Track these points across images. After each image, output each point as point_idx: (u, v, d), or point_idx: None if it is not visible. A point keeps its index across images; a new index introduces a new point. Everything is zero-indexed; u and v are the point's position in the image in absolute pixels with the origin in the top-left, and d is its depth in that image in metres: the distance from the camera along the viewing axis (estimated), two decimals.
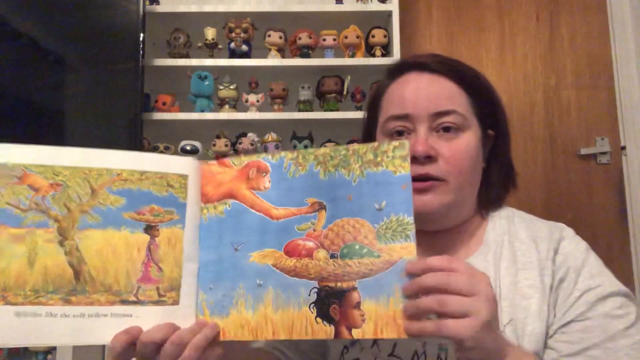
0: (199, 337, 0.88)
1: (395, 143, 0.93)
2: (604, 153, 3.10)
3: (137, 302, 0.90)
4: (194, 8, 2.92)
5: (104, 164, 0.94)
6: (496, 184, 1.22)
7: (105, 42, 2.81)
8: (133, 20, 2.77)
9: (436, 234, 1.17)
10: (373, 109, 1.25)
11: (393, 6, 2.92)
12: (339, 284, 0.90)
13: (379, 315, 0.87)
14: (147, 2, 2.90)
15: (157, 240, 0.93)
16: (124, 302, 0.89)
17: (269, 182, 0.97)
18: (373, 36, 2.93)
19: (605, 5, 3.21)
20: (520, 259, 1.12)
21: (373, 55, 2.95)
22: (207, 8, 2.92)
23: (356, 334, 0.88)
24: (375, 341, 1.14)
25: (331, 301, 0.89)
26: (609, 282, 1.06)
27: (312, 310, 0.90)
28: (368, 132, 1.26)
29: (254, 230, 0.96)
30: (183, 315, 0.93)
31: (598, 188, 3.10)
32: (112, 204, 0.92)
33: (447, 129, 1.11)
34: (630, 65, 3.08)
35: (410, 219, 0.89)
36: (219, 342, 0.92)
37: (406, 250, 0.88)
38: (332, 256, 0.91)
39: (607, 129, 3.14)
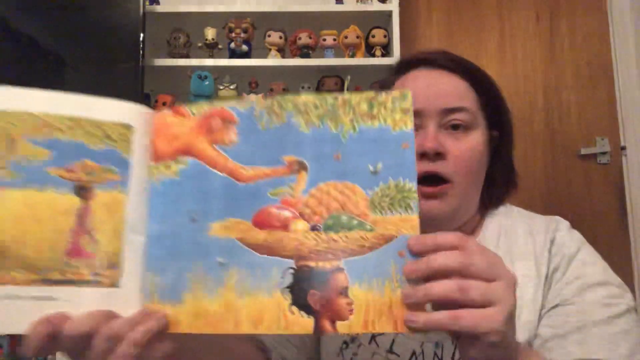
0: (140, 330, 0.66)
1: (396, 93, 0.73)
2: (604, 153, 2.95)
3: (65, 282, 0.67)
4: (194, 8, 2.78)
5: (26, 106, 0.71)
6: (498, 186, 1.14)
7: (105, 42, 2.68)
8: (133, 20, 2.64)
9: None
10: None
11: (393, 6, 2.79)
12: (321, 264, 0.69)
13: (370, 304, 0.68)
14: (147, 2, 2.77)
15: (92, 205, 0.70)
16: (47, 281, 0.66)
17: (236, 135, 0.75)
18: (373, 36, 2.79)
19: (605, 6, 3.07)
20: (516, 250, 1.05)
21: (373, 55, 2.81)
22: (207, 8, 2.79)
23: (342, 327, 0.68)
24: (373, 337, 1.03)
25: (311, 285, 0.69)
26: (602, 271, 1.00)
27: (285, 296, 0.69)
28: None
29: (215, 196, 0.74)
30: (125, 301, 0.70)
31: (598, 188, 2.95)
32: (34, 158, 0.69)
33: (455, 127, 1.03)
34: (630, 65, 2.94)
35: (412, 185, 0.70)
36: (168, 336, 0.70)
37: (407, 223, 0.69)
38: (314, 228, 0.71)
39: (607, 129, 2.98)
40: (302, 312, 0.68)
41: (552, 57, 3.03)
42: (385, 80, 1.18)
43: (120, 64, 2.64)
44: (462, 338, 0.66)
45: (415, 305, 0.66)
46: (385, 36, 2.78)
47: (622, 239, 2.89)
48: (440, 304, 0.65)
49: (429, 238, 0.67)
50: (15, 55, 2.50)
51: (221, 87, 2.76)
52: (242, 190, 0.73)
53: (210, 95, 2.74)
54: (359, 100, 0.73)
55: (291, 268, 0.69)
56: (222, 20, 2.76)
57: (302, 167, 0.72)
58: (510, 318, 0.66)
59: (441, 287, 0.64)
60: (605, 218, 2.91)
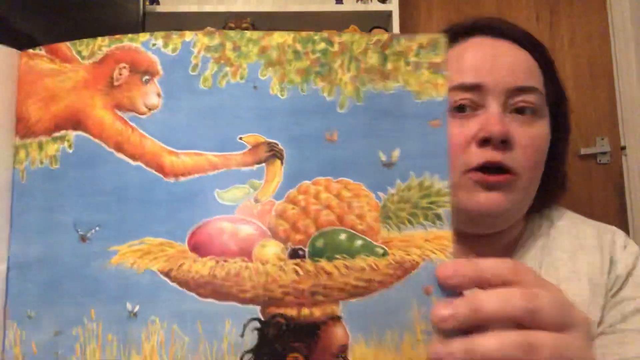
0: None
1: (422, 38, 0.48)
2: (604, 153, 2.89)
3: None
4: (194, 8, 2.72)
5: None
6: (550, 187, 0.92)
7: None
8: (133, 20, 2.56)
9: (471, 238, 0.87)
10: None
11: (393, 6, 2.72)
12: (306, 312, 0.45)
13: None
14: (147, 2, 2.71)
15: None
16: None
17: (159, 95, 0.47)
18: None
19: (605, 6, 3.01)
20: (563, 269, 0.85)
21: None
22: (207, 8, 2.73)
23: None
24: None
25: (289, 347, 0.44)
26: None
27: None
28: None
29: (122, 198, 0.46)
30: None
31: (598, 188, 2.89)
32: None
33: (521, 111, 0.82)
34: (630, 65, 2.87)
35: (443, 184, 0.46)
36: None
37: (435, 243, 0.46)
38: (295, 254, 0.45)
39: (607, 129, 2.92)
40: None
41: (552, 57, 2.93)
42: None
43: None
44: None
45: None
46: None
47: None
48: None
49: (468, 266, 0.45)
50: None
51: None
52: (171, 190, 0.46)
53: None
54: (365, 46, 0.48)
55: (256, 319, 0.44)
56: (222, 20, 2.71)
57: (274, 153, 0.46)
58: None
59: (497, 344, 0.43)
60: (605, 218, 2.75)
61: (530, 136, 0.81)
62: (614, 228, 0.91)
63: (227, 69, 0.47)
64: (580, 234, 0.89)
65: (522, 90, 0.82)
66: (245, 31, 0.47)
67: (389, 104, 0.47)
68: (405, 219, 0.46)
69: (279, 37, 0.47)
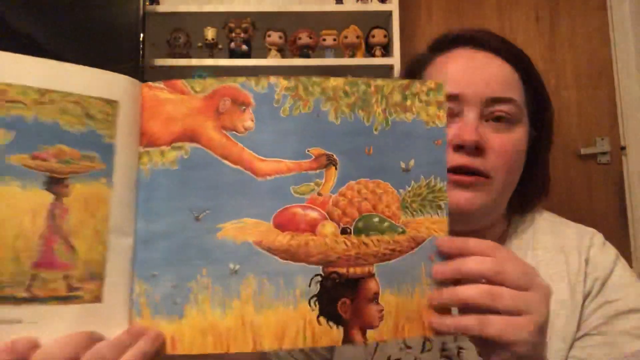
0: (132, 353, 0.53)
1: (430, 83, 0.67)
2: (604, 153, 2.84)
3: (33, 300, 0.50)
4: (194, 8, 2.66)
5: None
6: (529, 191, 0.99)
7: (105, 42, 2.54)
8: (133, 20, 2.51)
9: (456, 234, 0.88)
10: None
11: (393, 6, 2.67)
12: (351, 270, 0.63)
13: (400, 310, 0.63)
14: (147, 2, 2.64)
15: (67, 201, 0.53)
16: (10, 299, 0.49)
17: (252, 120, 0.62)
18: (373, 36, 2.68)
19: (605, 6, 2.96)
20: (545, 269, 0.89)
21: (373, 56, 2.69)
22: (207, 8, 2.67)
23: (372, 335, 0.62)
24: None
25: (340, 293, 0.62)
26: (636, 295, 0.85)
27: (313, 306, 0.61)
28: None
29: (226, 192, 0.61)
30: (109, 318, 0.55)
31: (598, 188, 2.85)
32: None
33: (498, 119, 0.88)
34: (630, 65, 2.83)
35: (443, 185, 0.66)
36: (166, 358, 0.57)
37: (437, 225, 0.66)
38: (344, 231, 0.63)
39: (607, 129, 2.88)
40: (331, 323, 0.61)
41: (552, 57, 2.92)
42: (418, 57, 1.01)
43: (120, 64, 2.48)
44: (486, 346, 0.61)
45: (442, 309, 0.64)
46: (385, 36, 2.67)
47: (622, 239, 2.78)
48: (469, 311, 0.61)
49: (459, 240, 0.63)
50: None
51: None
52: (261, 186, 0.61)
53: None
54: (392, 88, 0.66)
55: (319, 275, 0.62)
56: (222, 20, 2.66)
57: (331, 161, 0.64)
58: (542, 331, 0.61)
59: (470, 291, 0.61)
60: (605, 218, 2.81)
61: (504, 142, 0.87)
62: (593, 230, 0.94)
63: (300, 102, 0.63)
64: (561, 235, 0.94)
65: (497, 100, 0.88)
66: (312, 77, 0.64)
67: (407, 128, 0.66)
68: (417, 208, 0.66)
69: (334, 82, 0.65)
